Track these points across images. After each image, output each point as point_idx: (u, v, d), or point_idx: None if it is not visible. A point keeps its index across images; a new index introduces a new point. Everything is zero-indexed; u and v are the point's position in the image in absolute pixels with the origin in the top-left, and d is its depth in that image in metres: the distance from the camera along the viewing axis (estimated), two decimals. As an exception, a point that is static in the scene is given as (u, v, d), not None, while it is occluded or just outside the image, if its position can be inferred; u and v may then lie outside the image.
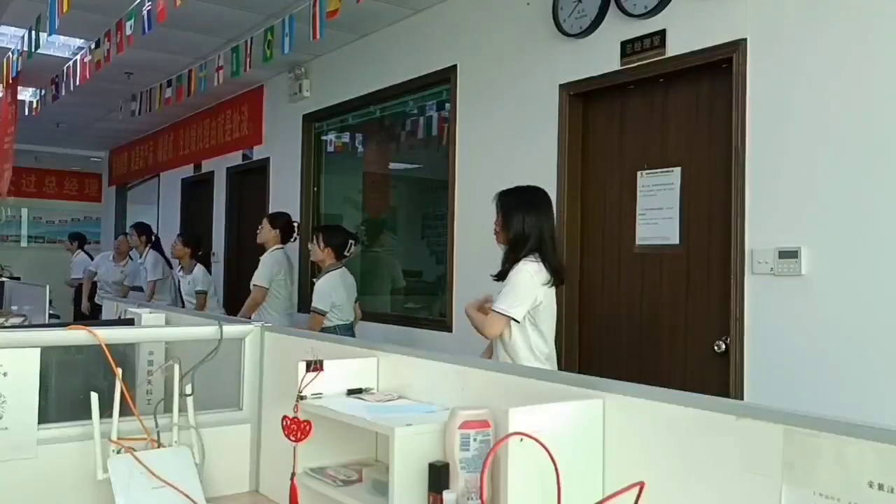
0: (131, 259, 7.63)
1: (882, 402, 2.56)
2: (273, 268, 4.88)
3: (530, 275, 2.80)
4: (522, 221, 2.86)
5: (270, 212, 5.39)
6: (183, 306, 5.87)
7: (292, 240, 5.14)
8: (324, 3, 3.70)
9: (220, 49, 5.31)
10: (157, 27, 4.11)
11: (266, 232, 4.98)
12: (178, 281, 6.16)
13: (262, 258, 4.93)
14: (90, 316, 7.42)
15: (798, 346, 2.83)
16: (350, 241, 4.45)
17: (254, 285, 4.83)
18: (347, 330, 4.31)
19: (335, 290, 4.31)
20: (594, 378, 1.33)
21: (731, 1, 3.10)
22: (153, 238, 6.86)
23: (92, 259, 8.27)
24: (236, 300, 5.83)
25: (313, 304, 4.27)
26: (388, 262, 5.47)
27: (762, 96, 2.98)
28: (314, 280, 4.58)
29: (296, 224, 5.19)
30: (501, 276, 2.87)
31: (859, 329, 2.66)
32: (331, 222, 5.77)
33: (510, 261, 2.85)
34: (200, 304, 5.74)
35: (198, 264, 5.89)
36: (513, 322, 2.79)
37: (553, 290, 2.90)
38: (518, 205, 2.91)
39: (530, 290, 2.79)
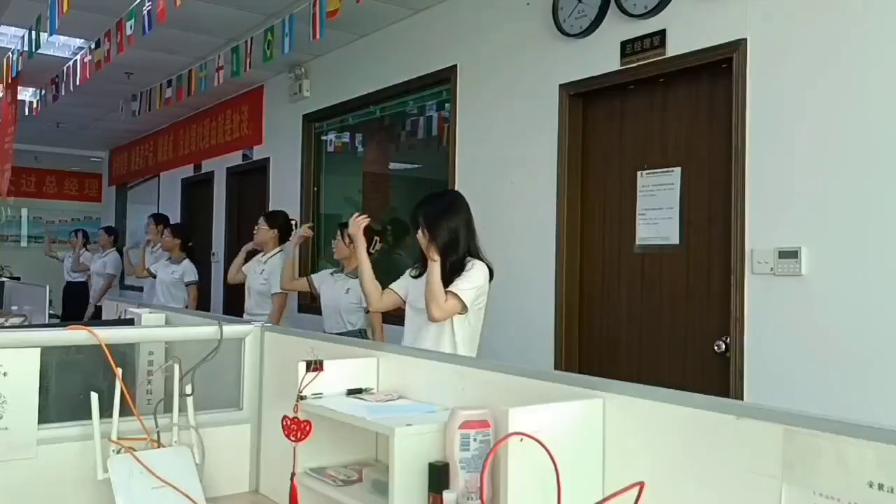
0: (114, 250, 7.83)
1: (882, 402, 2.56)
2: None
3: (485, 274, 2.90)
4: (448, 226, 2.90)
5: (267, 210, 5.21)
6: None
7: (290, 238, 5.01)
8: (324, 3, 3.71)
9: (220, 49, 5.31)
10: (157, 27, 4.11)
11: (264, 232, 4.81)
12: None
13: (272, 263, 4.75)
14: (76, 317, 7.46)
15: (798, 347, 2.83)
16: (375, 238, 4.22)
17: (274, 294, 4.66)
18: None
19: None
20: (594, 378, 1.33)
21: (731, 1, 3.10)
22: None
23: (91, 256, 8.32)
24: (236, 300, 5.81)
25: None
26: (405, 263, 5.37)
27: (762, 96, 2.98)
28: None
29: (294, 221, 5.01)
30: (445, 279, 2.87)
31: (859, 329, 2.66)
32: (330, 222, 5.74)
33: (456, 267, 2.88)
34: (194, 297, 5.73)
35: (187, 258, 5.83)
36: (457, 314, 2.86)
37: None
38: (441, 212, 2.95)
39: (485, 287, 2.91)
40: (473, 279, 2.86)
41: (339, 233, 4.22)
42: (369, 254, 4.24)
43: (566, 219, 3.78)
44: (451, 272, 2.87)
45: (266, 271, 4.75)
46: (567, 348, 3.77)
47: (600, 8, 3.58)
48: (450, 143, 4.58)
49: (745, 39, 3.03)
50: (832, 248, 2.75)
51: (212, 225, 7.58)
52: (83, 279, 8.28)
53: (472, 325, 2.93)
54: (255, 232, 4.91)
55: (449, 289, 2.83)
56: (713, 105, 3.25)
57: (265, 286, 4.72)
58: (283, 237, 4.84)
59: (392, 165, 5.55)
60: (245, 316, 4.70)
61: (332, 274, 4.29)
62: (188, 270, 5.76)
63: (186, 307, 5.62)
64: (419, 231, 2.94)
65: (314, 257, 6.02)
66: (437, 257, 2.87)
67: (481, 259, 2.94)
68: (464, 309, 2.85)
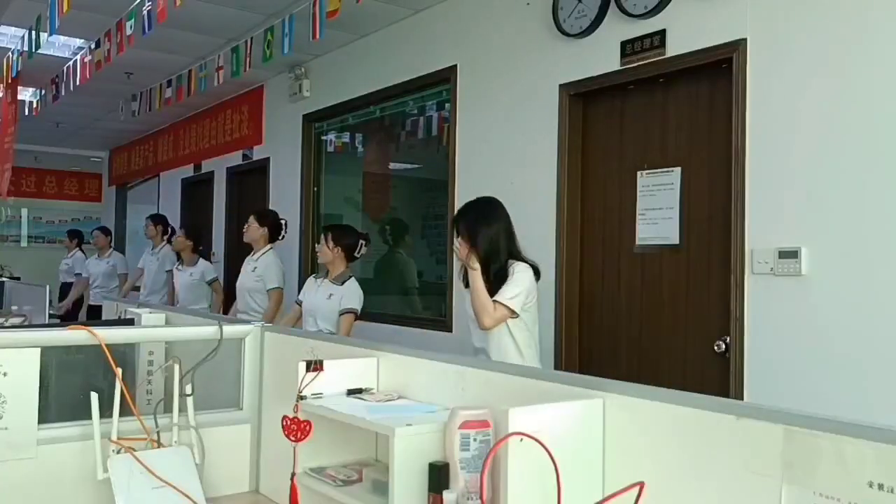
0: (114, 250, 7.93)
1: (882, 402, 2.56)
2: (281, 267, 4.84)
3: (530, 275, 2.90)
4: (488, 235, 2.90)
5: (258, 209, 5.20)
6: (173, 302, 5.90)
7: (280, 238, 4.99)
8: (324, 3, 3.71)
9: (220, 49, 5.32)
10: (157, 27, 4.11)
11: (254, 230, 4.82)
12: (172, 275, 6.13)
13: (264, 260, 4.80)
14: (70, 316, 7.47)
15: (798, 346, 2.83)
16: (360, 241, 4.20)
17: (271, 289, 4.71)
18: None
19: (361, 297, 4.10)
20: (594, 378, 1.33)
21: (731, 1, 3.10)
22: (170, 229, 6.71)
23: (86, 257, 8.29)
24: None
25: (351, 306, 3.97)
26: (404, 262, 5.38)
27: (762, 96, 2.98)
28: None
29: (283, 222, 5.01)
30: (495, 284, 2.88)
31: (859, 329, 2.66)
32: (330, 222, 5.74)
33: (500, 275, 2.88)
34: (220, 292, 5.84)
35: (200, 258, 5.87)
36: (509, 318, 2.86)
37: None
38: (478, 220, 2.95)
39: (532, 288, 2.90)
40: (519, 284, 2.86)
41: (323, 236, 4.16)
42: (354, 258, 4.24)
43: (566, 219, 3.78)
44: (496, 280, 2.87)
45: (259, 269, 4.79)
46: (567, 348, 3.77)
47: (600, 8, 3.58)
48: (450, 143, 4.58)
49: (745, 39, 3.03)
50: (832, 248, 2.75)
51: (212, 225, 7.58)
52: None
53: (530, 327, 2.94)
54: (244, 230, 4.93)
55: (495, 298, 2.83)
56: (713, 105, 3.25)
57: (259, 283, 4.77)
58: (273, 235, 4.90)
59: (392, 165, 5.55)
60: (238, 314, 4.73)
61: (315, 279, 4.23)
62: (207, 269, 5.81)
63: (210, 306, 5.68)
64: (457, 240, 2.96)
65: (313, 260, 6.02)
66: (476, 266, 2.87)
67: (525, 261, 2.94)
68: (513, 314, 2.85)
